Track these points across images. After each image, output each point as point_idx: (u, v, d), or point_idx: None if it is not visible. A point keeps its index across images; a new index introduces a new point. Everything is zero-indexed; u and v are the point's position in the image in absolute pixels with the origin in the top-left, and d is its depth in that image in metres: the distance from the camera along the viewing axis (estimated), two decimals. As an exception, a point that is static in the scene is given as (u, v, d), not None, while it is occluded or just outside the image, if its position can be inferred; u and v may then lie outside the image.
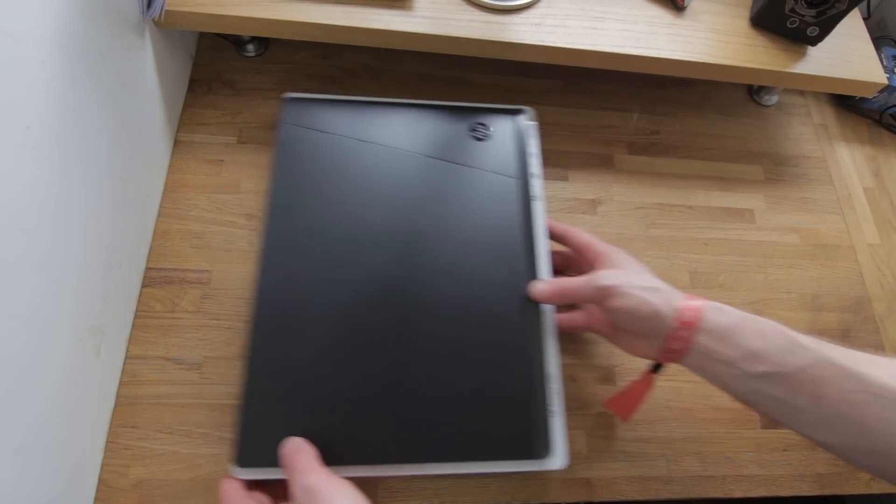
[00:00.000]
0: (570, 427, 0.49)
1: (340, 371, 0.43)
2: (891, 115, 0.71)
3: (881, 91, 0.61)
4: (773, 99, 0.69)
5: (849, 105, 0.71)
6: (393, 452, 0.41)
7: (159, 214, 0.52)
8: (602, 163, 0.62)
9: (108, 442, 0.44)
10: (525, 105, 0.54)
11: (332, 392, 0.42)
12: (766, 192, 0.64)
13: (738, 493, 0.49)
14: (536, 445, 0.42)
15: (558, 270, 0.52)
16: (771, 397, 0.36)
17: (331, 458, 0.38)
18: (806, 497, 0.50)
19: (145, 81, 0.49)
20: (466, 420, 0.42)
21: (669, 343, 0.39)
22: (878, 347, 0.57)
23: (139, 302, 0.49)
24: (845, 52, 0.59)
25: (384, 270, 0.46)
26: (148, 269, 0.50)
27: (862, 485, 0.51)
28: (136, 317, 0.48)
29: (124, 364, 0.47)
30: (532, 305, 0.46)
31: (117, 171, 0.44)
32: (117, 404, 0.45)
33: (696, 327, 0.38)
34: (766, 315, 0.56)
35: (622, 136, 0.64)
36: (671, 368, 0.54)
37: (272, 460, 0.38)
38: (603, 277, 0.41)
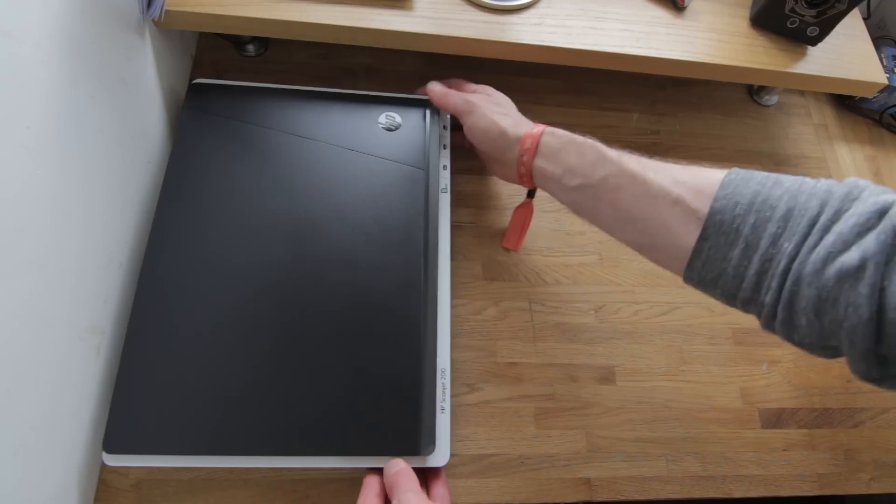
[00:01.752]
0: (571, 427, 0.50)
1: (221, 359, 0.42)
2: (891, 115, 0.71)
3: (881, 91, 0.61)
4: (773, 99, 0.69)
5: (849, 105, 0.71)
6: (268, 444, 0.40)
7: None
8: (602, 163, 0.62)
9: (107, 442, 0.44)
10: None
11: (211, 380, 0.41)
12: (766, 192, 0.64)
13: (737, 494, 0.49)
14: (421, 441, 0.41)
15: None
16: (583, 205, 0.43)
17: (206, 446, 0.39)
18: (806, 497, 0.50)
19: (145, 81, 0.49)
20: (352, 413, 0.42)
21: (519, 168, 0.46)
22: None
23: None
24: (845, 52, 0.59)
25: (276, 260, 0.45)
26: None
27: (862, 485, 0.51)
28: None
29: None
30: (427, 300, 0.46)
31: (117, 171, 0.44)
32: (117, 404, 0.45)
33: (533, 151, 0.44)
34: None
35: (622, 136, 0.64)
36: (671, 368, 0.54)
37: (141, 447, 0.39)
38: (471, 95, 0.50)
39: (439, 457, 0.42)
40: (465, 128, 0.50)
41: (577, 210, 0.44)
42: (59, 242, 0.36)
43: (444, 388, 0.44)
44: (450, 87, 0.54)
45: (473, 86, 0.54)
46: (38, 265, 0.34)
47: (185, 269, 0.44)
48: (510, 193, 0.59)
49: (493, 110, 0.48)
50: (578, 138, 0.43)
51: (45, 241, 0.35)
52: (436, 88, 0.52)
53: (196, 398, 0.41)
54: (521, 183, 0.48)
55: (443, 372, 0.45)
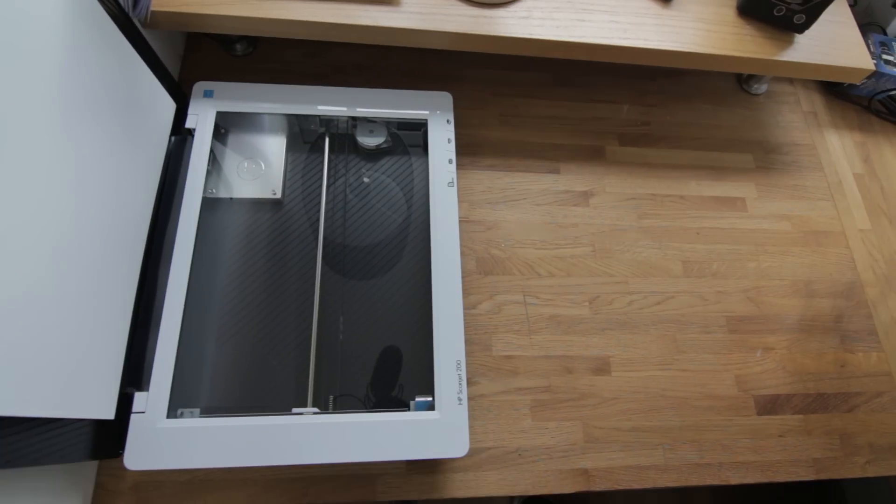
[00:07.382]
0: (567, 418, 0.50)
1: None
2: (879, 101, 0.71)
3: (869, 77, 0.61)
4: (762, 88, 0.70)
5: (837, 92, 0.72)
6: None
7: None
8: (593, 155, 0.62)
9: (104, 445, 0.44)
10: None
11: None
12: (757, 181, 0.64)
13: (734, 480, 0.49)
14: None
15: None
16: None
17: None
18: (802, 482, 0.51)
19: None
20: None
21: None
22: (871, 332, 0.58)
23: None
24: (832, 40, 0.59)
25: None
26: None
27: (857, 468, 0.52)
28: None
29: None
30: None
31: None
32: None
33: None
34: (760, 302, 0.57)
35: (613, 127, 0.64)
36: (666, 358, 0.54)
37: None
38: None
39: (459, 448, 0.42)
40: None
41: None
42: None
43: (460, 380, 0.44)
44: None
45: None
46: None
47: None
48: (502, 188, 0.59)
49: None
50: None
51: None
52: None
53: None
54: None
55: (458, 364, 0.44)
